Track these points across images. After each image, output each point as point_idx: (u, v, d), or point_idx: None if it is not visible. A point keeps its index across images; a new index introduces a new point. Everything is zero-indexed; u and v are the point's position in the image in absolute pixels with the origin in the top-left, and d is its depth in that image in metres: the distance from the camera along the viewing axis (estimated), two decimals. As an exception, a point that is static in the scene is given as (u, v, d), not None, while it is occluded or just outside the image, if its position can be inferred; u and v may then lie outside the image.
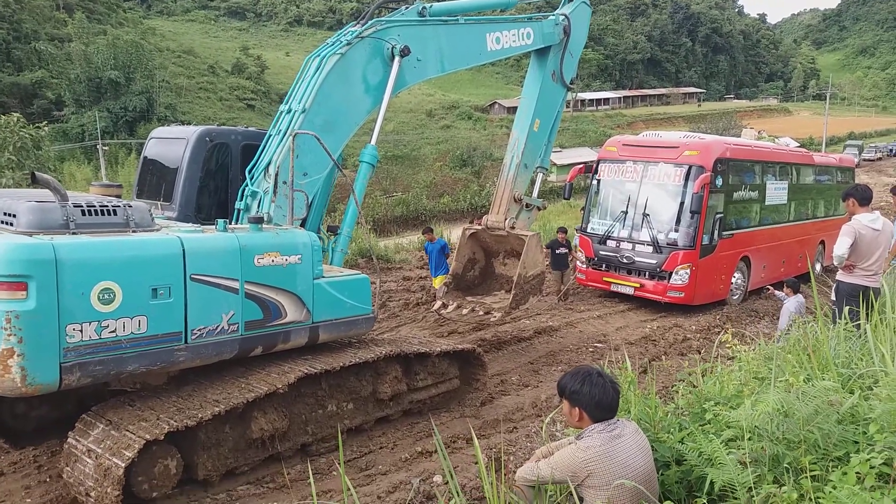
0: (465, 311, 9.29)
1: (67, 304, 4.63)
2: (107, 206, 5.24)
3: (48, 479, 5.62)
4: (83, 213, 5.05)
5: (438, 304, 9.59)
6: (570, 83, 10.12)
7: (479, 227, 9.85)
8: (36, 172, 5.12)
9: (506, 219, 9.49)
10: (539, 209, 10.38)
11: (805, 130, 76.74)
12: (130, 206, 5.39)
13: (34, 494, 5.42)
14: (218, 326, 5.50)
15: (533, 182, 10.11)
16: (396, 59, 7.64)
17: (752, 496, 2.83)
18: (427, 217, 41.31)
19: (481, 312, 9.24)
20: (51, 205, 4.96)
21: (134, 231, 5.27)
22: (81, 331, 4.72)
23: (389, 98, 7.70)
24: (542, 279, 9.98)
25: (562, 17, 9.70)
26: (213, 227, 5.86)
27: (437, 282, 11.83)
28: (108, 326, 4.84)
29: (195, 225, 6.11)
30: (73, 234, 4.91)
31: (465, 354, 7.77)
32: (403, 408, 7.22)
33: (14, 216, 4.88)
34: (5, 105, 50.49)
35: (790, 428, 3.06)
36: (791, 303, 9.43)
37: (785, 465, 2.97)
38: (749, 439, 3.13)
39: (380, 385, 6.84)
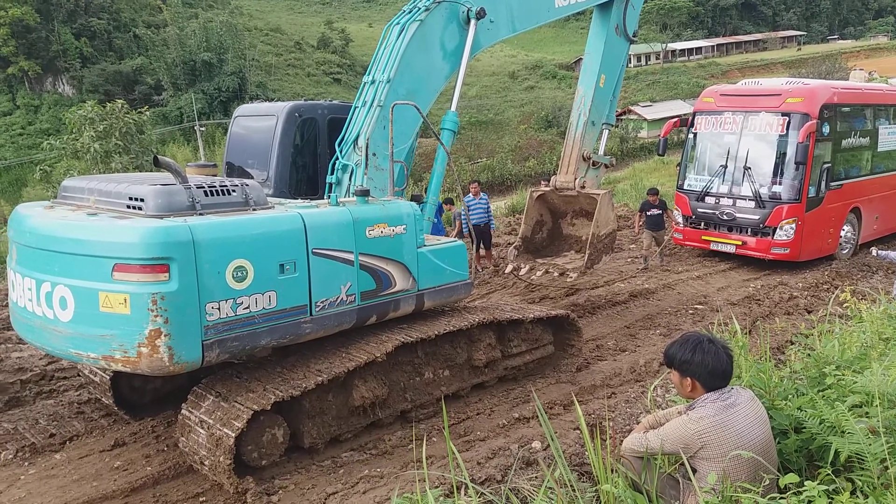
0: (538, 274, 9.25)
1: (206, 284, 4.78)
2: (226, 185, 5.34)
3: (166, 448, 5.94)
4: (206, 193, 5.15)
5: (510, 267, 9.60)
6: (633, 36, 9.84)
7: (547, 189, 9.79)
8: (158, 156, 5.26)
9: (575, 178, 9.39)
10: (607, 167, 10.19)
11: (921, 69, 70.72)
12: (247, 185, 5.49)
13: (154, 462, 5.74)
14: (338, 298, 5.65)
15: (599, 139, 9.86)
16: (472, 21, 7.55)
17: (887, 467, 2.61)
18: (513, 182, 40.80)
19: (556, 274, 9.16)
20: (176, 187, 5.06)
21: (254, 209, 5.39)
22: (219, 308, 4.86)
23: (467, 62, 7.62)
24: (614, 237, 9.85)
25: None
26: (326, 201, 5.98)
27: None
28: (242, 303, 4.99)
29: (307, 200, 6.24)
30: (201, 214, 5.01)
31: (558, 320, 7.65)
32: (498, 374, 7.20)
33: (142, 200, 4.95)
34: (110, 93, 53.38)
35: (927, 394, 2.81)
36: None
37: (922, 434, 2.73)
38: (879, 406, 2.89)
39: (474, 352, 6.84)
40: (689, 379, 3.21)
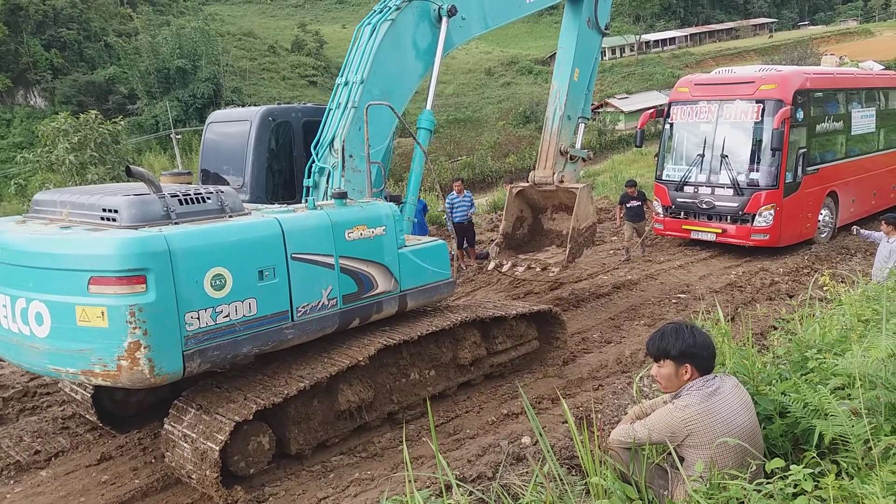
0: (521, 269, 9.27)
1: (184, 293, 4.72)
2: (201, 193, 5.28)
3: (153, 460, 5.87)
4: (180, 202, 5.09)
5: (492, 264, 9.63)
6: (606, 28, 9.86)
7: (526, 185, 9.78)
8: (130, 166, 5.16)
9: (553, 173, 9.40)
10: (584, 160, 10.23)
11: (889, 52, 71.34)
12: (222, 192, 5.43)
13: (141, 475, 5.68)
14: (319, 302, 5.62)
15: (576, 133, 9.88)
16: (444, 19, 7.56)
17: (870, 448, 2.63)
18: (494, 178, 40.76)
19: (538, 269, 9.20)
20: (150, 197, 4.99)
21: (230, 216, 5.33)
22: (199, 318, 4.81)
23: (440, 61, 7.61)
24: (595, 230, 9.91)
25: None
26: (304, 205, 5.93)
27: None
28: (222, 311, 4.94)
29: (284, 205, 6.19)
30: (176, 224, 4.94)
31: (542, 315, 7.65)
32: (485, 372, 7.20)
33: (116, 211, 4.88)
34: (83, 104, 52.64)
35: (907, 374, 2.83)
36: (889, 242, 8.71)
37: (903, 413, 2.76)
38: (860, 387, 2.91)
39: (459, 351, 6.82)
40: (688, 365, 3.20)
